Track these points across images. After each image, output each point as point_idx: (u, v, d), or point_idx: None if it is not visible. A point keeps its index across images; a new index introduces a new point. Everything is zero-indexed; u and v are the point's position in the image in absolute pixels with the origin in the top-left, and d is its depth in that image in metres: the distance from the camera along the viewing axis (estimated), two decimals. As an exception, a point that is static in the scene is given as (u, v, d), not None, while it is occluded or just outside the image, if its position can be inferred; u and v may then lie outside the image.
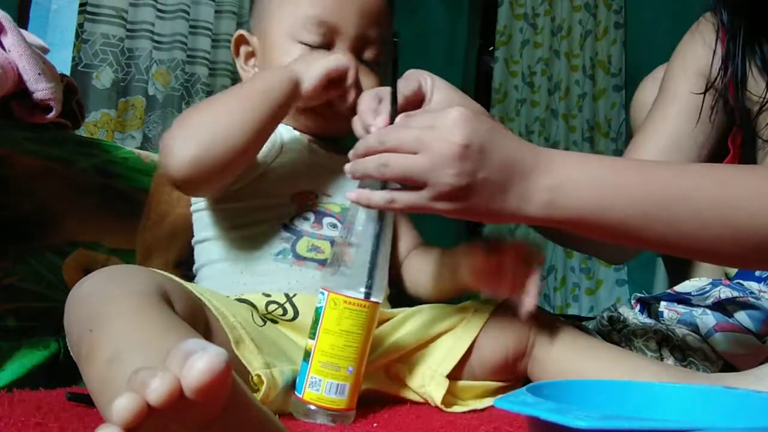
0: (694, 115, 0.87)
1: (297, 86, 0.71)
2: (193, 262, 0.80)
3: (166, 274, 0.61)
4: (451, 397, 0.70)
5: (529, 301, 0.67)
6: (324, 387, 0.59)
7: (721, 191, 0.58)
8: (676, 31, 0.95)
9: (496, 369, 0.72)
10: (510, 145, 0.59)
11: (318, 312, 0.60)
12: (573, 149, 2.54)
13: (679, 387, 0.47)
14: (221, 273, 0.75)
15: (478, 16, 2.82)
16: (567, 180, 0.58)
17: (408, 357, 0.71)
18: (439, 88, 0.69)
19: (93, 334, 0.49)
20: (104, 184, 0.89)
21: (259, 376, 0.59)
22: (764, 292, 0.85)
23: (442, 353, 0.71)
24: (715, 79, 0.86)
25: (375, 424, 0.61)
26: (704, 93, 0.86)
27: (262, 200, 0.76)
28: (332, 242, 0.74)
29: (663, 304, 0.87)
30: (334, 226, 0.76)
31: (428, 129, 0.57)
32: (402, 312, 0.75)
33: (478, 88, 2.75)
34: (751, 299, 0.81)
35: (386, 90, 0.65)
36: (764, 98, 0.82)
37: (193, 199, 0.80)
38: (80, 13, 1.77)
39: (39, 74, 0.78)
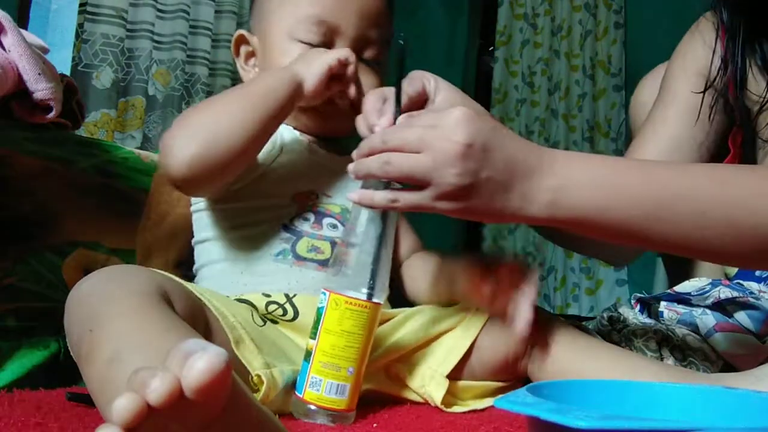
0: (694, 116, 0.87)
1: (299, 87, 0.71)
2: (193, 262, 0.80)
3: (166, 274, 0.61)
4: (451, 397, 0.70)
5: (521, 321, 0.67)
6: (324, 387, 0.59)
7: (722, 191, 0.58)
8: (676, 31, 0.95)
9: (496, 369, 0.72)
10: (513, 144, 0.59)
11: (319, 312, 0.60)
12: (573, 149, 2.54)
13: (679, 387, 0.47)
14: (221, 273, 0.75)
15: (478, 16, 2.82)
16: (569, 180, 0.58)
17: (408, 357, 0.71)
18: (443, 89, 0.69)
19: (93, 334, 0.49)
20: (104, 184, 0.89)
21: (259, 376, 0.59)
22: (764, 292, 0.85)
23: (443, 353, 0.71)
24: (715, 78, 0.86)
25: (375, 424, 0.61)
26: (703, 92, 0.86)
27: (262, 201, 0.76)
28: (332, 243, 0.74)
29: (663, 304, 0.87)
30: (334, 226, 0.76)
31: (431, 128, 0.57)
32: (402, 312, 0.75)
33: (478, 88, 2.75)
34: (751, 299, 0.81)
35: (391, 90, 0.65)
36: (764, 98, 0.82)
37: (193, 200, 0.80)
38: (80, 13, 1.77)
39: (39, 74, 0.78)
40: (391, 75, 0.75)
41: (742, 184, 0.59)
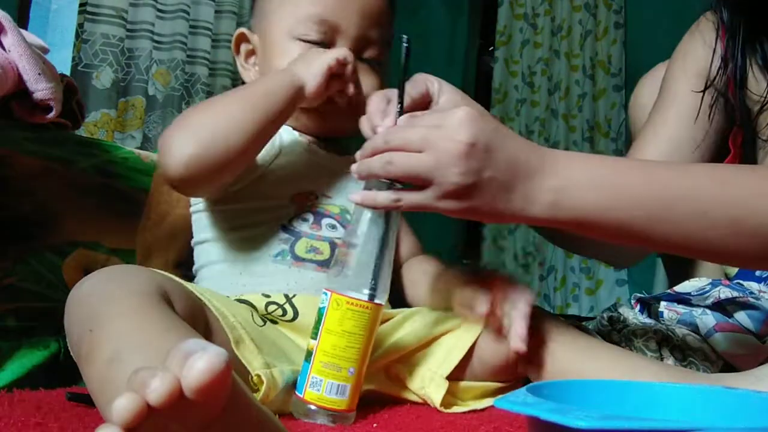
0: (694, 117, 0.87)
1: (300, 89, 0.71)
2: (192, 263, 0.80)
3: (166, 274, 0.61)
4: (451, 397, 0.70)
5: (515, 338, 0.66)
6: (325, 387, 0.59)
7: (723, 191, 0.58)
8: (676, 31, 0.95)
9: (497, 370, 0.72)
10: (515, 145, 0.59)
11: (321, 312, 0.60)
12: (573, 149, 2.54)
13: (679, 387, 0.47)
14: (220, 274, 0.75)
15: (478, 16, 2.82)
16: (571, 181, 0.59)
17: (408, 358, 0.71)
18: (446, 91, 0.69)
19: (93, 334, 0.49)
20: (104, 184, 0.89)
21: (259, 376, 0.59)
22: (764, 292, 0.85)
23: (442, 355, 0.71)
24: (715, 77, 0.86)
25: (375, 425, 0.61)
26: (703, 91, 0.86)
27: (261, 201, 0.76)
28: (331, 243, 0.74)
29: (663, 304, 0.87)
30: (333, 227, 0.76)
31: (434, 128, 0.58)
32: (401, 312, 0.75)
33: (478, 88, 2.75)
34: (751, 299, 0.81)
35: (394, 92, 0.65)
36: (765, 97, 0.82)
37: (193, 200, 0.80)
38: (80, 13, 1.77)
39: (39, 74, 0.78)
40: (393, 76, 0.75)
41: (743, 184, 0.59)
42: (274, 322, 0.70)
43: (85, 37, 1.73)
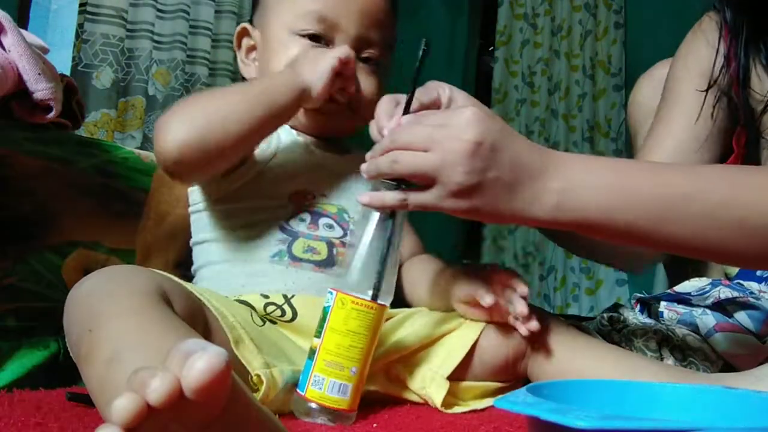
0: (697, 117, 0.87)
1: (305, 91, 0.71)
2: (192, 263, 0.80)
3: (165, 274, 0.61)
4: (451, 398, 0.70)
5: (522, 320, 0.69)
6: (327, 386, 0.59)
7: (731, 192, 0.59)
8: (677, 31, 0.95)
9: (497, 370, 0.72)
10: (520, 146, 0.59)
11: (325, 311, 0.61)
12: (573, 149, 2.54)
13: (679, 387, 0.47)
14: (219, 274, 0.75)
15: (478, 16, 2.82)
16: (575, 182, 0.59)
17: (409, 358, 0.71)
18: (457, 99, 0.69)
19: (92, 334, 0.49)
20: (104, 184, 0.89)
21: (258, 376, 0.59)
22: (764, 292, 0.85)
23: (444, 355, 0.71)
24: (717, 77, 0.86)
25: (375, 425, 0.61)
26: (706, 90, 0.86)
27: (260, 201, 0.76)
28: (328, 243, 0.74)
29: (663, 304, 0.87)
30: (331, 227, 0.76)
31: (440, 127, 0.58)
32: (402, 312, 0.75)
33: (478, 88, 2.75)
34: (751, 299, 0.81)
35: (404, 96, 0.65)
36: None
37: (191, 201, 0.80)
38: (80, 13, 1.77)
39: (39, 74, 0.78)
40: (396, 77, 0.75)
41: (750, 185, 0.59)
42: (273, 322, 0.70)
43: (85, 37, 1.73)
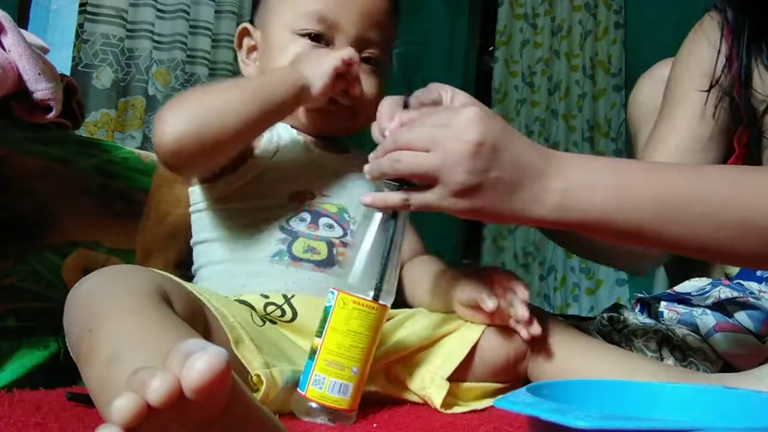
0: (699, 118, 0.87)
1: (304, 89, 0.71)
2: (192, 263, 0.80)
3: (165, 274, 0.61)
4: (451, 398, 0.70)
5: (523, 324, 0.69)
6: (327, 385, 0.59)
7: (732, 192, 0.59)
8: (677, 31, 0.95)
9: (497, 371, 0.72)
10: (522, 146, 0.59)
11: (327, 310, 0.61)
12: (573, 149, 2.54)
13: (679, 387, 0.47)
14: (219, 274, 0.75)
15: (478, 16, 2.82)
16: (576, 183, 0.59)
17: (409, 359, 0.71)
18: (459, 100, 0.69)
19: (92, 334, 0.49)
20: (104, 184, 0.89)
21: (258, 376, 0.59)
22: (764, 292, 0.85)
23: (444, 355, 0.71)
24: (719, 77, 0.86)
25: (375, 425, 0.61)
26: (708, 90, 0.86)
27: (260, 201, 0.76)
28: (328, 243, 0.74)
29: (663, 304, 0.87)
30: (331, 226, 0.76)
31: (442, 127, 0.58)
32: (402, 312, 0.75)
33: (478, 88, 2.75)
34: (751, 299, 0.81)
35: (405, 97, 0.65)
36: None
37: (192, 200, 0.80)
38: (80, 13, 1.77)
39: (39, 74, 0.78)
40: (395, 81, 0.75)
41: (752, 186, 0.59)
42: (273, 322, 0.70)
43: (85, 37, 1.73)
